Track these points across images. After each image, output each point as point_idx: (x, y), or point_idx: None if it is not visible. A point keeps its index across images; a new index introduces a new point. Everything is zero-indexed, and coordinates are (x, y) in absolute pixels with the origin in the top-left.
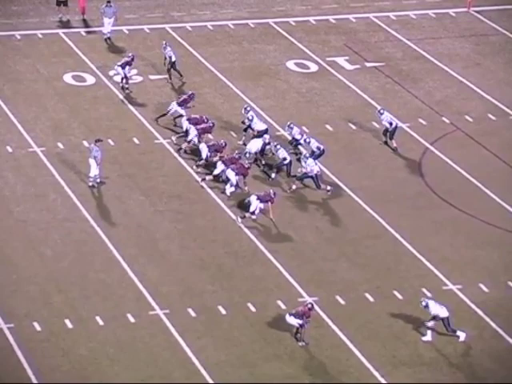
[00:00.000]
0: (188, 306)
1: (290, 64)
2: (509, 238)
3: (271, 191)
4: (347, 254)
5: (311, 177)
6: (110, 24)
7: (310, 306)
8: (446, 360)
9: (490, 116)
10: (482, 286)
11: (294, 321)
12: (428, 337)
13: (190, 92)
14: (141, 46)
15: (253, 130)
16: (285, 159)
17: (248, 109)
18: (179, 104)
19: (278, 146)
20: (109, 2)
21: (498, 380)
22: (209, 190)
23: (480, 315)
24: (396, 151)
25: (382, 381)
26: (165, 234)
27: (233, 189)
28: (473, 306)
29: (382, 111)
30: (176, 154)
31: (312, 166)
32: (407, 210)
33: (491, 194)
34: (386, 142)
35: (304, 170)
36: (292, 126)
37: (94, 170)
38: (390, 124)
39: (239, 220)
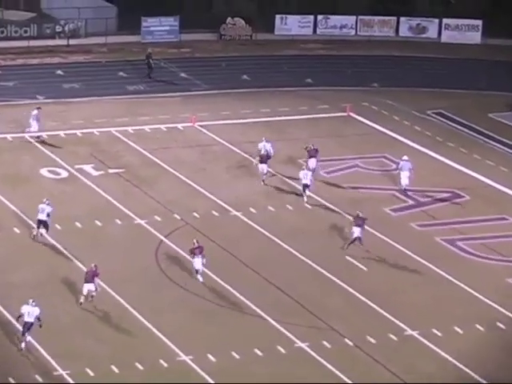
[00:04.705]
0: None
1: (44, 171)
2: (221, 312)
3: None
4: (95, 331)
5: None
6: None
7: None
8: None
9: (214, 212)
10: (210, 356)
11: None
12: None
13: None
14: None
15: None
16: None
17: None
18: None
19: None
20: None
21: None
22: None
23: (210, 381)
24: None
25: None
26: None
27: None
28: (202, 374)
29: None
30: None
31: None
32: (146, 291)
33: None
34: None
35: None
36: None
37: None
38: None
39: None
